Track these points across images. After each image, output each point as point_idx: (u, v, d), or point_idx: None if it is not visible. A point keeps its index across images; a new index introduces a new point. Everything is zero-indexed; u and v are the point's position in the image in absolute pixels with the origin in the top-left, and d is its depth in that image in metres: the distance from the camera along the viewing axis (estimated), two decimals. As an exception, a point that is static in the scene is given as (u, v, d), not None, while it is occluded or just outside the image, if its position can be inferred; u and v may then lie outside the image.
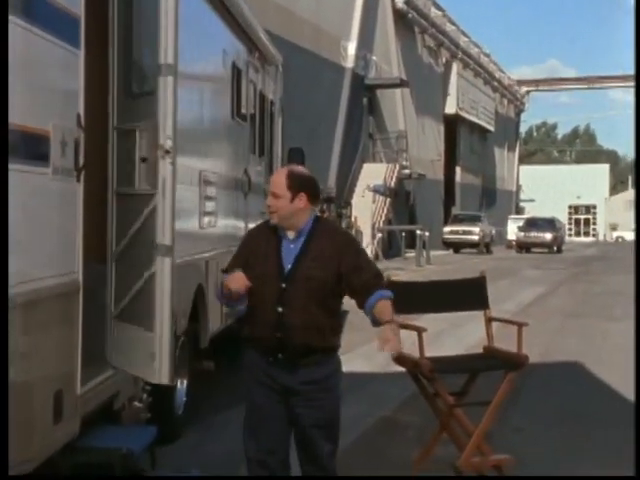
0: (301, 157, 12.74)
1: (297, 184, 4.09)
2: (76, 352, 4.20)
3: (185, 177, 6.69)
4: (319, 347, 4.03)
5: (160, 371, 4.68)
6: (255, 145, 9.94)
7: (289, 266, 4.02)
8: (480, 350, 5.41)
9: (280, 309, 3.98)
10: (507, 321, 5.29)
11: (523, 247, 41.33)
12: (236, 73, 8.60)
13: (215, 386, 8.32)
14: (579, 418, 7.78)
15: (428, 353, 4.96)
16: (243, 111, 9.00)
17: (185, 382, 6.90)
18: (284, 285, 4.00)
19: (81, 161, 4.23)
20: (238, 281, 3.96)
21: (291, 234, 4.09)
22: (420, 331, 4.83)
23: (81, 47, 4.28)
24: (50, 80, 4.04)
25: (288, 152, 12.56)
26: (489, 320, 5.19)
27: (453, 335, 12.07)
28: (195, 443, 6.64)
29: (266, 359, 4.06)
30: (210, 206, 7.45)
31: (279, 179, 4.13)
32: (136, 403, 5.43)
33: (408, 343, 5.15)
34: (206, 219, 7.29)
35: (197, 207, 7.03)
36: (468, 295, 5.26)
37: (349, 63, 32.90)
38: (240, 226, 9.17)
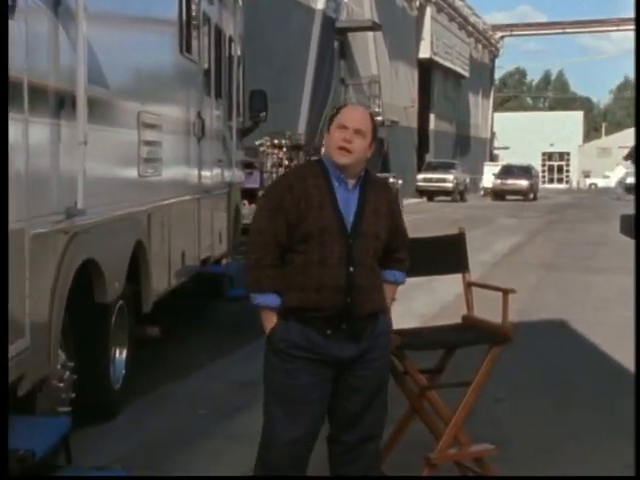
0: (263, 101, 11.80)
1: (375, 129, 3.56)
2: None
3: (118, 119, 5.81)
4: (381, 310, 3.61)
5: None
6: (210, 85, 9.02)
7: (351, 218, 3.48)
8: (457, 310, 4.68)
9: (351, 269, 3.43)
10: (490, 287, 4.50)
11: (499, 194, 41.43)
12: (184, 2, 7.67)
13: (161, 354, 7.58)
14: (562, 385, 7.12)
15: (397, 311, 4.16)
16: (194, 47, 8.07)
17: (124, 352, 6.11)
18: (351, 241, 3.46)
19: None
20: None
21: (351, 182, 3.52)
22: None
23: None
24: None
25: (249, 95, 11.64)
26: (468, 285, 4.41)
27: (426, 289, 11.31)
28: (134, 420, 5.89)
29: (322, 332, 3.45)
30: (152, 151, 6.55)
31: (364, 116, 3.56)
32: (55, 383, 4.60)
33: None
34: (146, 166, 6.41)
35: (135, 153, 6.15)
36: (444, 256, 4.48)
37: (319, 4, 31.82)
38: (193, 174, 8.31)
